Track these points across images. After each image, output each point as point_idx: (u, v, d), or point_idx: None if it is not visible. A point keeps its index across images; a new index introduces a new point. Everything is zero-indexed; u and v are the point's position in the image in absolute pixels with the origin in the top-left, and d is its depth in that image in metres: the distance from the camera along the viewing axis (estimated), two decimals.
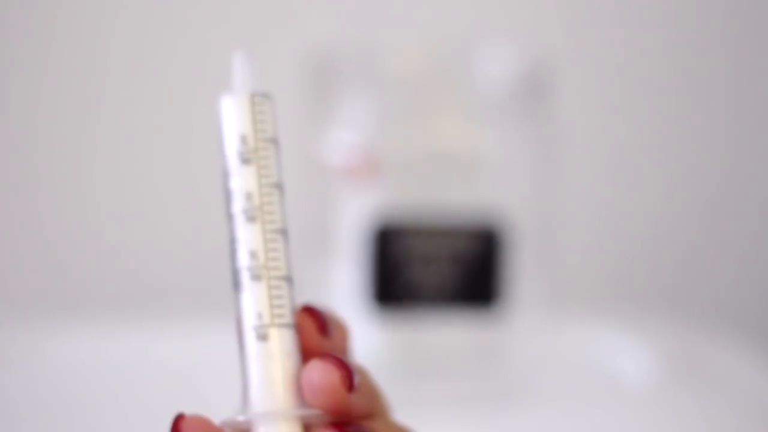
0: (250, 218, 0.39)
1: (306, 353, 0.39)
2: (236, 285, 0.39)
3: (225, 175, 0.39)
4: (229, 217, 0.39)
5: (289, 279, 0.39)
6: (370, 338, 0.85)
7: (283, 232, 0.39)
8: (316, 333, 0.40)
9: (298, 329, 0.39)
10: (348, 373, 0.39)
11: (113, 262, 1.10)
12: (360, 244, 0.83)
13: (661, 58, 1.11)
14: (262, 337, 0.38)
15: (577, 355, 0.94)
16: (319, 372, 0.38)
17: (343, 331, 0.42)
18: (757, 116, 1.13)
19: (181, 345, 0.93)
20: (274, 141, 0.40)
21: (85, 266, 1.10)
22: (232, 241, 0.39)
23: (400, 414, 0.90)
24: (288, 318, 0.39)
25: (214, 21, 1.07)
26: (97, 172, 1.09)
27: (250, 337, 0.38)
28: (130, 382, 0.89)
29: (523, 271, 0.85)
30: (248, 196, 0.39)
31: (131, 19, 1.07)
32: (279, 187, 0.40)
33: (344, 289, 0.85)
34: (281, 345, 0.38)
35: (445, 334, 0.85)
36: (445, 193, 0.85)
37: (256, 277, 0.38)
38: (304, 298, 0.92)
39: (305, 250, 0.88)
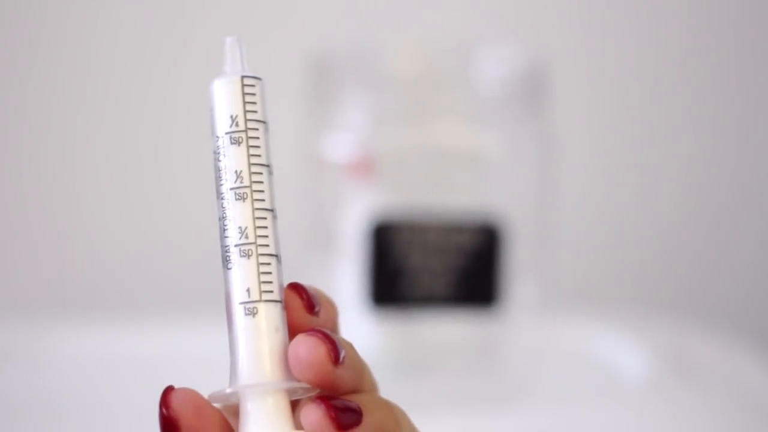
0: (240, 196, 0.39)
1: (293, 330, 0.40)
2: (225, 261, 0.39)
3: (216, 155, 0.40)
4: (219, 195, 0.40)
5: (277, 257, 0.40)
6: (370, 335, 0.86)
7: (272, 211, 0.40)
8: (303, 310, 0.40)
9: (286, 306, 0.40)
10: (334, 347, 0.39)
11: (106, 260, 1.10)
12: (359, 241, 0.84)
13: (659, 58, 1.11)
14: (251, 312, 0.39)
15: (575, 353, 0.94)
16: (306, 346, 0.39)
17: (331, 309, 0.42)
18: (753, 113, 1.13)
19: (174, 340, 0.94)
20: (264, 122, 0.40)
21: (78, 264, 1.10)
22: (222, 219, 0.40)
23: None
24: (276, 294, 0.39)
25: (216, 23, 1.07)
26: (87, 171, 1.09)
27: (238, 312, 0.39)
28: (124, 378, 0.89)
29: (521, 269, 0.85)
30: (238, 175, 0.40)
31: (133, 21, 1.07)
32: (268, 167, 0.40)
33: (344, 286, 0.85)
34: (269, 320, 0.39)
35: (444, 332, 0.86)
36: (444, 191, 0.85)
37: (245, 254, 0.39)
38: None
39: (306, 247, 0.88)
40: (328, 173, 0.85)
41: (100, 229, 1.10)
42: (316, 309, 0.41)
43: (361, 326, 0.85)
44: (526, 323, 0.87)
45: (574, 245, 1.10)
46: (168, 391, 0.39)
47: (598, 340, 0.95)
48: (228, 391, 0.39)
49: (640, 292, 1.14)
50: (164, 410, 0.39)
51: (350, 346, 0.40)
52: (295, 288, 0.41)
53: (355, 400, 0.40)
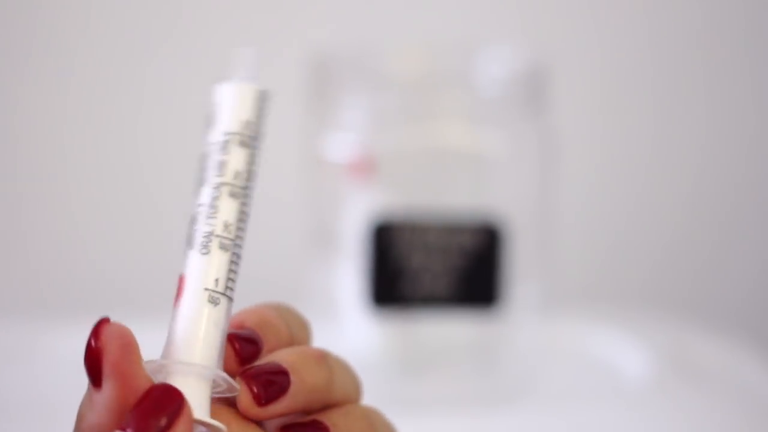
0: (233, 194, 0.40)
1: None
2: (200, 247, 0.40)
3: (214, 147, 0.41)
4: (209, 184, 0.41)
5: (240, 259, 0.41)
6: (370, 335, 0.86)
7: (248, 215, 0.41)
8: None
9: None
10: (260, 388, 0.40)
11: (104, 259, 1.10)
12: (360, 241, 0.84)
13: (660, 58, 1.11)
14: (213, 301, 0.39)
15: (576, 353, 0.94)
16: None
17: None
18: (755, 114, 1.13)
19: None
20: (260, 138, 0.42)
21: (76, 263, 1.10)
22: (205, 206, 0.40)
23: (399, 411, 0.90)
24: (233, 293, 0.40)
25: (217, 23, 1.07)
26: (86, 171, 1.09)
27: (200, 297, 0.39)
28: None
29: (522, 269, 0.85)
30: (237, 174, 0.41)
31: (134, 22, 1.07)
32: (257, 176, 0.41)
33: (344, 286, 0.85)
34: (225, 313, 0.40)
35: (445, 332, 0.86)
36: (445, 191, 0.85)
37: (224, 247, 0.40)
38: (306, 295, 0.92)
39: (306, 247, 0.88)
40: (328, 173, 0.85)
41: (97, 229, 1.10)
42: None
43: (361, 326, 0.85)
44: (527, 323, 0.87)
45: (576, 245, 1.10)
46: (102, 322, 0.38)
47: (599, 340, 0.95)
48: (162, 361, 0.39)
49: (641, 292, 1.14)
50: (92, 341, 0.38)
51: (305, 362, 0.40)
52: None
53: (327, 418, 0.40)
